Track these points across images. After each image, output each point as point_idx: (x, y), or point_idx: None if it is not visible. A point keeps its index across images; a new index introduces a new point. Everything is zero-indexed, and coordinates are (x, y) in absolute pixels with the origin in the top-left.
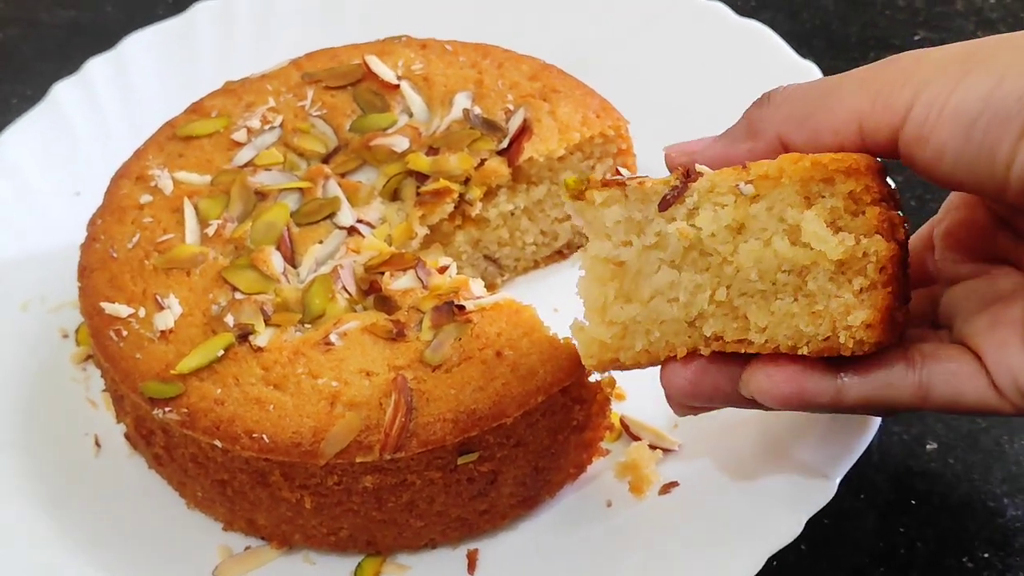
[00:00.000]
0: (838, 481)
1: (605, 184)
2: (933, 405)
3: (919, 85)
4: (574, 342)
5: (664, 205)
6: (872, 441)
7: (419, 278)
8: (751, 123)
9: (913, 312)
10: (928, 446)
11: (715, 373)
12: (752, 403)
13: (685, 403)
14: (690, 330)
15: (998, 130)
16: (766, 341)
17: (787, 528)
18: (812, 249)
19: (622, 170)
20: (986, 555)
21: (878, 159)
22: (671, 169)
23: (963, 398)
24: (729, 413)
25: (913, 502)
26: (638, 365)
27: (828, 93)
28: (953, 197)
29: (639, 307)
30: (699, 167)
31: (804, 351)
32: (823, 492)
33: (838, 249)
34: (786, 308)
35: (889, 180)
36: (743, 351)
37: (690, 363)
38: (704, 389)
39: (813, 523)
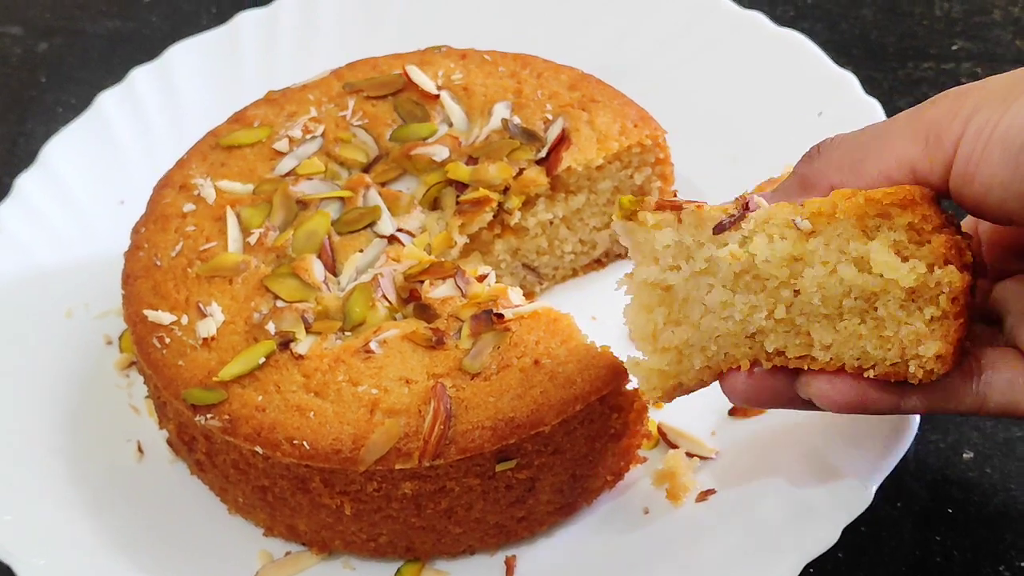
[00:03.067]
0: (875, 489)
1: (660, 207)
2: (989, 412)
3: (967, 117)
4: (632, 380)
5: (719, 229)
6: (908, 449)
7: (458, 286)
8: (803, 178)
9: None
10: (965, 455)
11: (774, 379)
12: (808, 404)
13: (744, 406)
14: (750, 342)
15: None
16: (831, 359)
17: (824, 536)
18: (882, 277)
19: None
20: (1022, 564)
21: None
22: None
23: (1019, 405)
24: (766, 421)
25: (949, 511)
26: (703, 384)
27: (878, 137)
28: None
29: (690, 330)
30: (757, 198)
31: (870, 374)
32: (860, 500)
33: (910, 276)
34: (853, 328)
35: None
36: (805, 367)
37: (744, 375)
38: (764, 394)
39: (850, 531)
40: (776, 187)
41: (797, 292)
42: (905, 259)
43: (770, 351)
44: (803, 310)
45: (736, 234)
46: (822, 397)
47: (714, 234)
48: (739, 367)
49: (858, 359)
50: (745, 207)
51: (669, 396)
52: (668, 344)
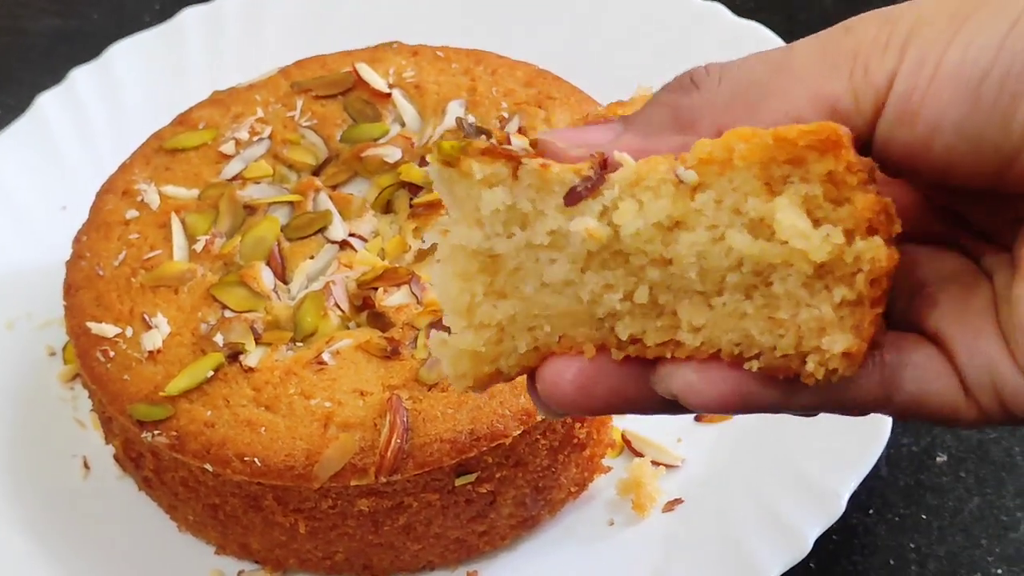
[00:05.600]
0: (847, 497)
1: (490, 153)
2: (895, 406)
3: (901, 46)
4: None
5: (573, 199)
6: (881, 454)
7: (413, 293)
8: (677, 112)
9: None
10: (938, 458)
11: (615, 372)
12: (667, 405)
13: (565, 413)
14: (596, 324)
15: (1015, 86)
16: (702, 344)
17: (795, 545)
18: (785, 245)
19: (515, 139)
20: (999, 571)
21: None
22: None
23: (929, 398)
24: (734, 426)
25: (924, 517)
26: (526, 371)
27: (780, 69)
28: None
29: (518, 304)
30: (618, 155)
31: (753, 366)
32: (832, 509)
33: (823, 248)
34: (733, 305)
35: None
36: (669, 355)
37: (578, 360)
38: (599, 394)
39: (821, 539)
40: (636, 118)
41: (669, 263)
42: (818, 222)
43: (623, 338)
44: (672, 285)
45: (595, 203)
46: (688, 391)
47: (567, 206)
48: (578, 352)
49: (738, 345)
50: (603, 166)
51: (482, 385)
52: (487, 320)
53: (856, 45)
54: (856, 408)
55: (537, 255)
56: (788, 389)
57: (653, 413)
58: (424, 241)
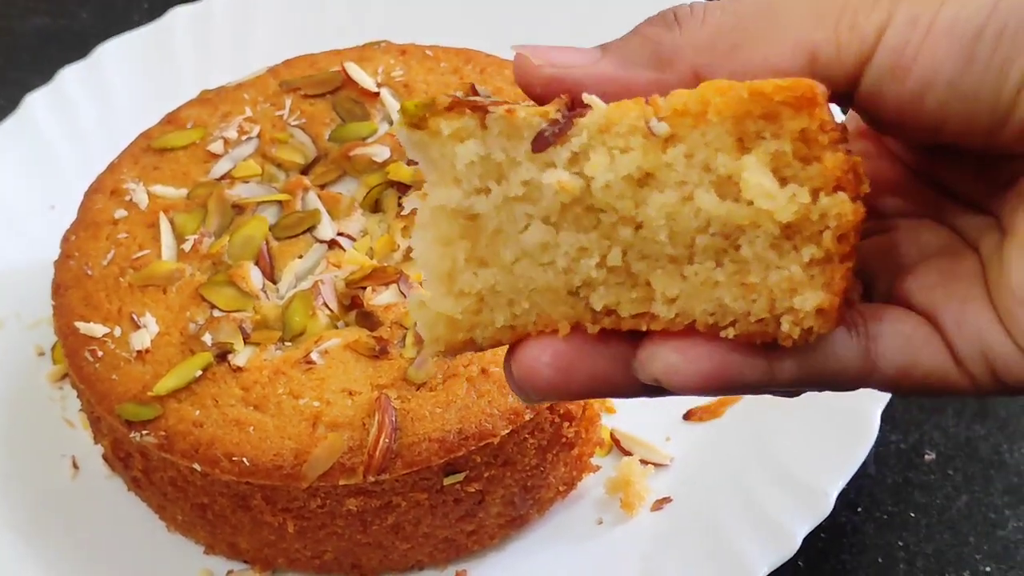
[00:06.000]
0: (835, 495)
1: (455, 107)
2: (881, 377)
3: (890, 3)
4: (414, 321)
5: (540, 145)
6: (869, 452)
7: (402, 292)
8: (657, 48)
9: None
10: (927, 456)
11: (594, 354)
12: (648, 389)
13: (543, 397)
14: (572, 300)
15: (1010, 44)
16: (677, 315)
17: (784, 544)
18: (751, 206)
19: (480, 88)
20: (988, 569)
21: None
22: (525, 81)
23: (917, 368)
24: (722, 425)
25: (912, 514)
26: (497, 344)
27: (764, 15)
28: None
29: (499, 272)
30: (587, 97)
31: (729, 333)
32: (820, 507)
33: (789, 208)
34: (705, 274)
35: (836, 111)
36: (644, 327)
37: (554, 342)
38: (577, 377)
39: (810, 538)
40: (613, 45)
41: (640, 226)
42: (785, 181)
43: (598, 309)
44: (644, 251)
45: (563, 150)
46: (671, 373)
47: (534, 151)
48: (552, 331)
49: (712, 314)
50: (571, 107)
51: (453, 351)
52: (468, 289)
53: None
54: (841, 381)
55: (513, 211)
56: (770, 360)
57: (634, 396)
58: (405, 208)
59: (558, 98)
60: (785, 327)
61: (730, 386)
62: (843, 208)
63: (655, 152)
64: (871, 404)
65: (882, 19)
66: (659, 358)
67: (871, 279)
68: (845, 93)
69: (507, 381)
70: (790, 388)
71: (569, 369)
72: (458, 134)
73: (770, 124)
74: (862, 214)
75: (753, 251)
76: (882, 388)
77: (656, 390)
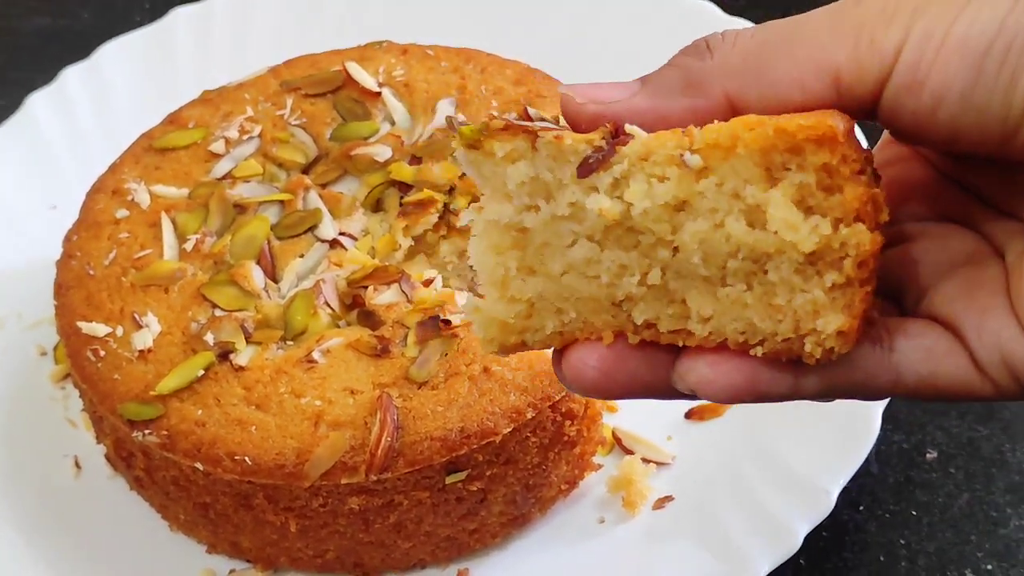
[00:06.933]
0: (836, 494)
1: (508, 130)
2: (905, 388)
3: (907, 22)
4: (471, 322)
5: (585, 171)
6: (871, 450)
7: (403, 292)
8: (689, 75)
9: None
10: (928, 455)
11: (635, 360)
12: (682, 395)
13: (588, 395)
14: (615, 311)
15: (1018, 58)
16: (710, 333)
17: (785, 542)
18: (777, 235)
19: (532, 111)
20: (989, 567)
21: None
22: (571, 118)
23: (939, 378)
24: (723, 424)
25: (914, 513)
26: (547, 347)
27: (789, 37)
28: (884, 150)
29: (547, 281)
30: (629, 127)
31: (758, 351)
32: (822, 505)
33: (811, 239)
34: (736, 296)
35: (861, 136)
36: (680, 343)
37: (599, 347)
38: (619, 380)
39: (811, 536)
40: (651, 78)
41: (676, 250)
42: (810, 210)
43: (639, 323)
44: (680, 271)
45: (606, 175)
46: (704, 385)
47: (579, 177)
48: (598, 337)
49: (743, 333)
50: (614, 136)
51: (506, 351)
52: (519, 295)
53: (863, 16)
54: (865, 392)
55: (561, 228)
56: (796, 374)
57: (671, 399)
58: (462, 220)
59: (602, 127)
60: (808, 347)
61: (760, 396)
62: (862, 238)
63: (689, 181)
64: (872, 403)
65: (900, 37)
66: (694, 371)
67: (900, 291)
68: (870, 108)
69: (556, 376)
70: (815, 399)
71: (612, 372)
72: (510, 156)
73: (795, 156)
74: (880, 243)
75: (779, 275)
76: (906, 397)
77: (690, 396)
